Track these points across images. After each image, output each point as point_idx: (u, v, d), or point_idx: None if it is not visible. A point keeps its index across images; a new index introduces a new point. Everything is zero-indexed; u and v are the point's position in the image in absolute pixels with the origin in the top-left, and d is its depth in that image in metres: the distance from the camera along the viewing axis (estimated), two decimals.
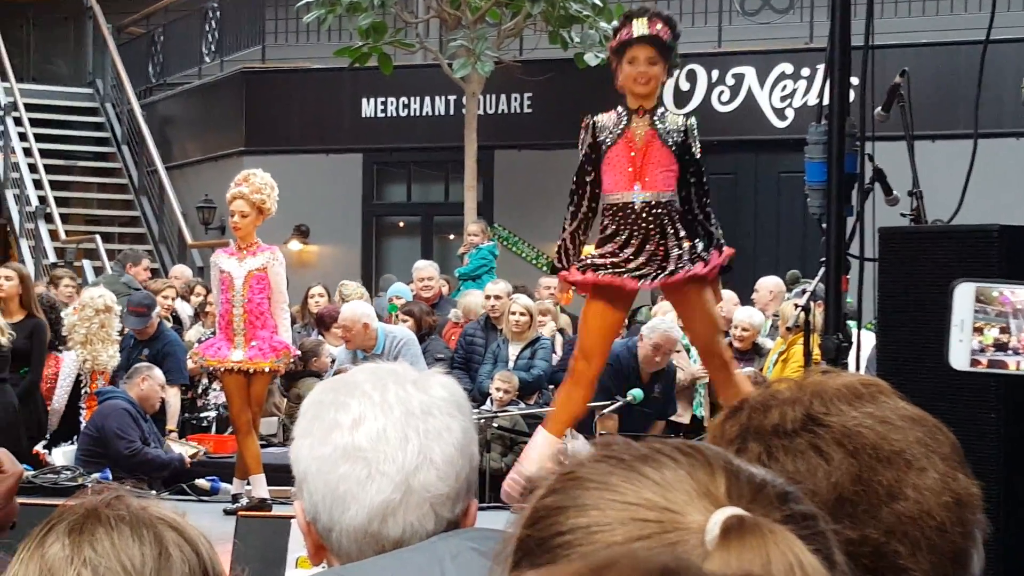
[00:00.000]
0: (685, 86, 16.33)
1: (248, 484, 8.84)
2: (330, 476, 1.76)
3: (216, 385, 10.96)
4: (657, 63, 6.10)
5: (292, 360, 9.23)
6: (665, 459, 1.15)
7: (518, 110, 16.94)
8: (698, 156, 6.23)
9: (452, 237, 17.28)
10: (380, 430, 1.76)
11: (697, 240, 6.22)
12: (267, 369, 8.82)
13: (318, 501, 1.78)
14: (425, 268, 12.83)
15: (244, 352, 8.73)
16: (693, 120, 6.34)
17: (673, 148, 6.18)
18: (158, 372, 9.95)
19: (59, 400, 10.48)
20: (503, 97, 16.82)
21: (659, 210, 6.15)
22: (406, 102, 17.38)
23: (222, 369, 8.87)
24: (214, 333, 11.81)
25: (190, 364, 10.71)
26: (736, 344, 10.83)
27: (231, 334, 8.77)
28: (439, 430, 1.78)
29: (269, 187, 8.76)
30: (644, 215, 6.15)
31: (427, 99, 17.31)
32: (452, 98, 16.84)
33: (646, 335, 9.83)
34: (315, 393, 1.84)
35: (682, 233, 6.17)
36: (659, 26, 6.13)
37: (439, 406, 1.81)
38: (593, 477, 1.15)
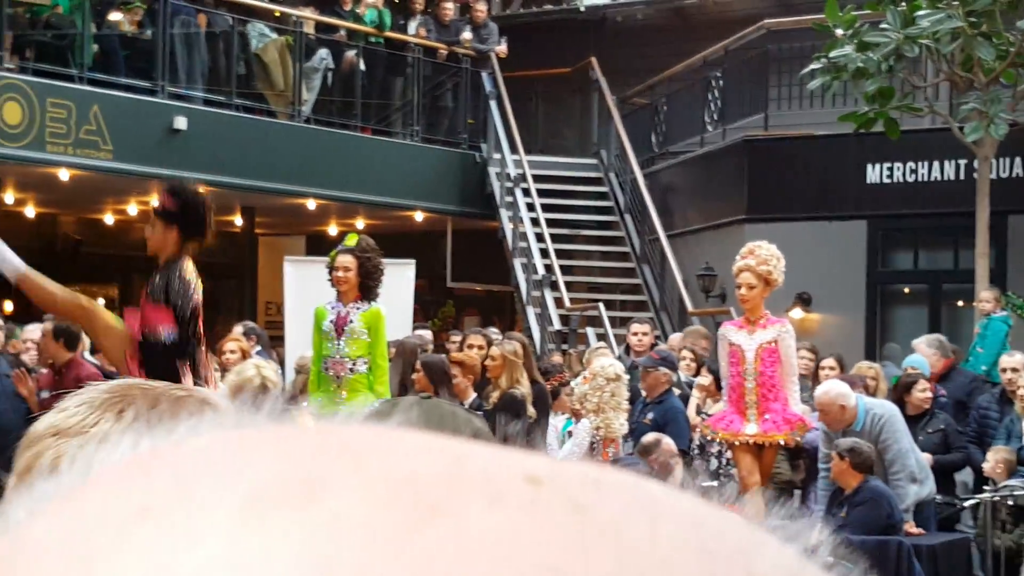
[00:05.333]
0: None
1: None
2: None
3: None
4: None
5: (805, 432, 9.10)
6: None
7: None
8: None
9: (961, 304, 16.66)
10: None
11: None
12: (781, 442, 8.76)
13: None
14: (916, 347, 12.43)
15: (758, 425, 8.67)
16: None
17: None
18: (667, 445, 9.90)
19: None
20: (1018, 160, 16.13)
21: None
22: (913, 167, 16.94)
23: (736, 443, 8.85)
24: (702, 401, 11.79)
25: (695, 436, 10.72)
26: None
27: (743, 407, 8.72)
28: None
29: (775, 258, 8.69)
30: None
31: (935, 164, 16.81)
32: (962, 162, 16.27)
33: None
34: None
35: None
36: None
37: None
38: None
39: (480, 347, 10.66)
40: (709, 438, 9.70)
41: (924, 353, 12.15)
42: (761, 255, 8.63)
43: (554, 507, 0.38)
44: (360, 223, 19.86)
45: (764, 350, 8.65)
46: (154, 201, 7.20)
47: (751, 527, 0.43)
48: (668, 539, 0.39)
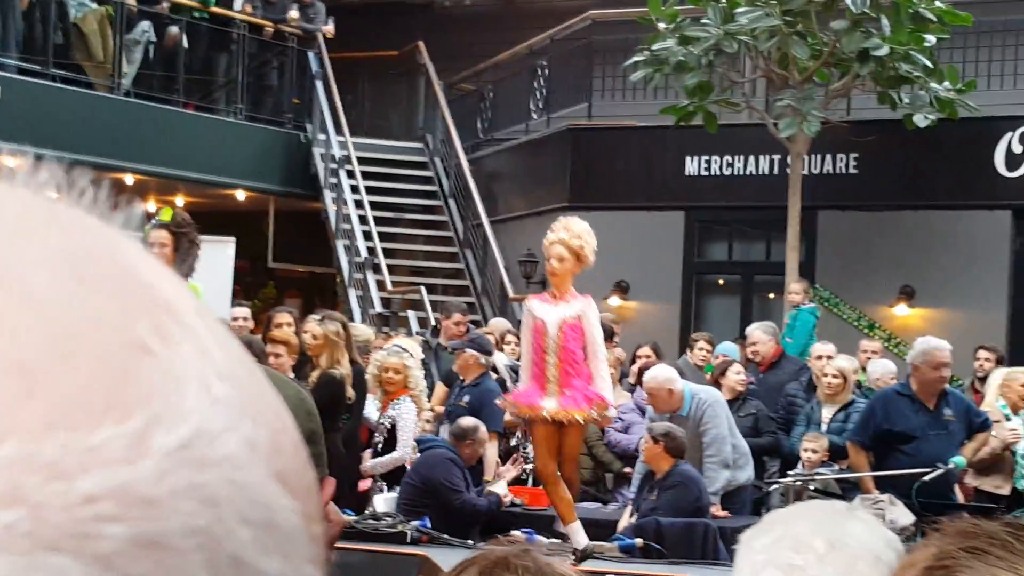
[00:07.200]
0: (1018, 148, 15.79)
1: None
2: None
3: None
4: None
5: (605, 411, 8.85)
6: None
7: (844, 171, 16.66)
8: None
9: (772, 296, 17.08)
10: None
11: None
12: (580, 419, 8.57)
13: None
14: (752, 332, 12.72)
15: (557, 401, 8.50)
16: None
17: None
18: (483, 432, 10.01)
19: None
20: (829, 157, 16.56)
21: None
22: (730, 161, 17.30)
23: (533, 418, 8.67)
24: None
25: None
26: None
27: (544, 383, 8.54)
28: None
29: (587, 234, 8.51)
30: None
31: (751, 158, 17.18)
32: (776, 158, 16.67)
33: (918, 361, 9.52)
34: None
35: None
36: None
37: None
38: None
39: (288, 324, 10.57)
40: (511, 413, 9.54)
41: (760, 339, 12.42)
42: (575, 229, 8.45)
43: None
44: (180, 200, 19.63)
45: (567, 325, 8.43)
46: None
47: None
48: None
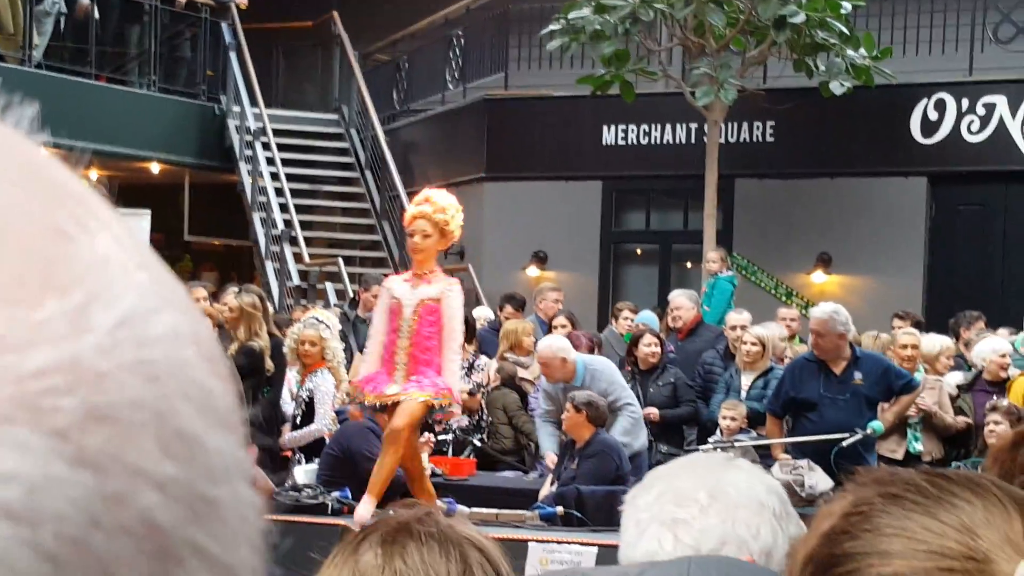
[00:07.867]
0: (934, 115, 15.94)
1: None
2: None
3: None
4: None
5: (449, 406, 8.14)
6: (960, 501, 1.08)
7: (760, 139, 16.74)
8: None
9: (690, 265, 17.16)
10: None
11: None
12: (420, 399, 7.89)
13: None
14: (675, 298, 12.74)
15: (401, 386, 7.90)
16: None
17: None
18: None
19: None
20: (745, 125, 16.64)
21: None
22: (647, 130, 17.34)
23: (378, 406, 8.07)
24: None
25: (343, 400, 10.64)
26: (987, 376, 10.63)
27: (392, 367, 7.97)
28: None
29: (454, 208, 7.94)
30: None
31: (668, 127, 17.23)
32: (693, 126, 16.73)
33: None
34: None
35: None
36: None
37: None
38: (890, 523, 1.09)
39: (203, 299, 10.50)
40: (356, 400, 9.01)
41: (683, 305, 12.44)
42: (439, 203, 7.88)
43: None
44: (93, 173, 19.37)
45: (424, 306, 7.87)
46: None
47: None
48: None
